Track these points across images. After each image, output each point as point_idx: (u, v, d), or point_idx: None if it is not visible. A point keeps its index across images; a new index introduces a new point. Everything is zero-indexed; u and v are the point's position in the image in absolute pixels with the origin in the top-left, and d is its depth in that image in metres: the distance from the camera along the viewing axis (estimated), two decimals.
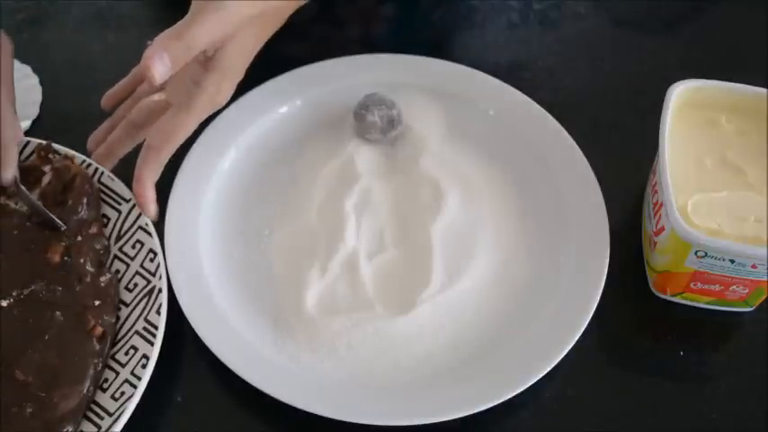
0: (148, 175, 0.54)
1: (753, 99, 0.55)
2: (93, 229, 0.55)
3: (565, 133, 0.60)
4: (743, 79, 0.56)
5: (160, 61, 0.49)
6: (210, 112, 0.56)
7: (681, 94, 0.55)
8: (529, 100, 0.63)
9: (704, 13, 0.74)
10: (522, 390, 0.49)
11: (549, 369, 0.50)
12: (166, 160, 0.55)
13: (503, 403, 0.49)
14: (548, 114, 0.62)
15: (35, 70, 0.67)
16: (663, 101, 0.54)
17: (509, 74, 0.66)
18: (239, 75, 0.55)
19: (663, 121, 0.53)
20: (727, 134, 0.55)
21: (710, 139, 0.55)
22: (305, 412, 0.48)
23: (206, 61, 0.53)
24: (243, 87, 0.62)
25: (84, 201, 0.55)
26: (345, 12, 0.71)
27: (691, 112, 0.56)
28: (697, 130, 0.56)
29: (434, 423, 0.48)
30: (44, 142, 0.58)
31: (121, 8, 0.73)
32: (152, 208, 0.55)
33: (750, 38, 0.70)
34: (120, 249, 0.55)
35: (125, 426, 0.47)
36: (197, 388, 0.52)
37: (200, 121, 0.55)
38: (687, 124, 0.55)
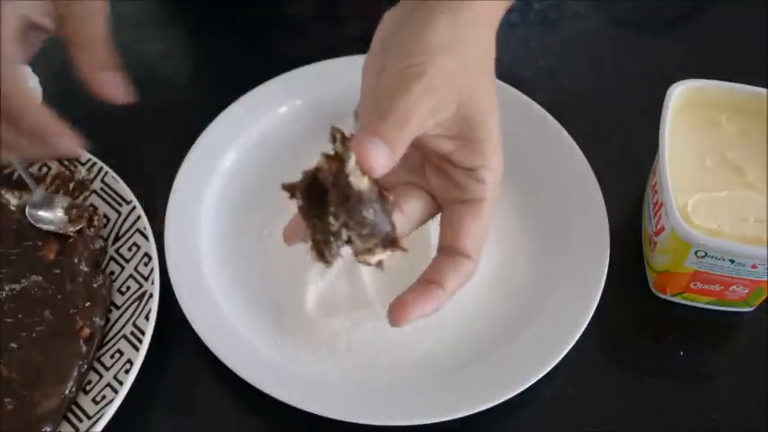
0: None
1: (753, 99, 0.55)
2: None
3: (565, 133, 0.60)
4: (743, 79, 0.56)
5: None
6: None
7: (681, 94, 0.55)
8: (529, 100, 0.62)
9: (704, 13, 0.74)
10: (522, 390, 0.49)
11: (549, 369, 0.50)
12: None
13: (503, 403, 0.49)
14: (548, 114, 0.61)
15: (35, 70, 0.67)
16: (663, 101, 0.54)
17: (509, 74, 0.66)
18: None
19: (663, 121, 0.53)
20: (727, 134, 0.55)
21: (711, 139, 0.55)
22: (305, 412, 0.48)
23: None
24: (243, 87, 0.62)
25: None
26: (345, 11, 0.71)
27: (691, 112, 0.56)
28: (697, 131, 0.55)
29: (434, 423, 0.48)
30: None
31: (121, 8, 0.73)
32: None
33: (750, 38, 0.70)
34: (117, 251, 0.55)
35: (124, 426, 0.47)
36: (197, 388, 0.52)
37: None
38: (687, 124, 0.55)
